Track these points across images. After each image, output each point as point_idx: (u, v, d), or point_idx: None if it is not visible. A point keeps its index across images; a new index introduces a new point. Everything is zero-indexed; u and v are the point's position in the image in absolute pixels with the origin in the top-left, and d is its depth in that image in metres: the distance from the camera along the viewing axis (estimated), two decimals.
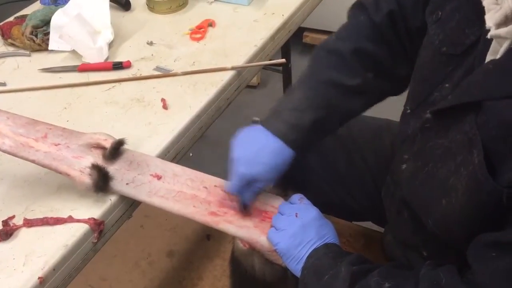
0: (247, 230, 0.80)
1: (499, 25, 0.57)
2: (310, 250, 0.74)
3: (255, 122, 0.86)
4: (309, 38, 2.54)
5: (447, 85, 0.69)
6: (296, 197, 0.81)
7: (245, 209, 0.81)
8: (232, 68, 1.05)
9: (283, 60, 1.09)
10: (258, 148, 0.80)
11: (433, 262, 0.68)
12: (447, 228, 0.66)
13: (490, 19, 0.58)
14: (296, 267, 0.75)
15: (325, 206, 0.83)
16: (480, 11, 0.61)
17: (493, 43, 0.61)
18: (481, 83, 0.60)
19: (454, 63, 0.68)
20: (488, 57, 0.62)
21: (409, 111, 0.77)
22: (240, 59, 1.09)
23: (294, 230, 0.75)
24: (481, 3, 0.61)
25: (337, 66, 0.84)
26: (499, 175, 0.56)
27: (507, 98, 0.56)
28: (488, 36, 0.59)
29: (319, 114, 0.82)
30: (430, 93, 0.72)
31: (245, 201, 0.81)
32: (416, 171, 0.72)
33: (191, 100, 0.99)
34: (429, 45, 0.74)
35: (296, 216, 0.77)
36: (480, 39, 0.64)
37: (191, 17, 1.24)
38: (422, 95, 0.73)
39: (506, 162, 0.55)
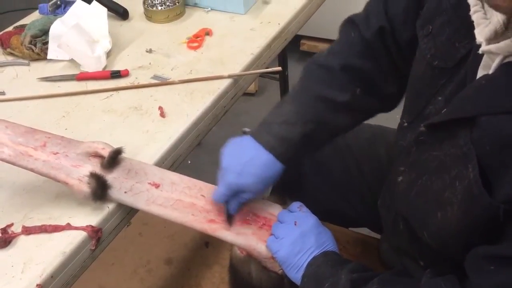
0: (244, 237, 0.80)
1: (489, 40, 0.57)
2: (309, 258, 0.75)
3: (245, 133, 0.87)
4: (306, 46, 2.55)
5: (439, 98, 0.69)
6: (295, 205, 0.82)
7: (229, 219, 0.81)
8: (229, 76, 1.06)
9: (279, 68, 1.11)
10: (248, 159, 0.80)
11: (434, 271, 0.68)
12: (442, 241, 0.67)
13: (480, 34, 0.58)
14: (295, 275, 0.75)
15: (322, 213, 0.83)
16: (469, 25, 0.61)
17: (485, 58, 0.61)
18: (474, 98, 0.61)
19: (446, 76, 0.69)
20: (480, 72, 0.62)
21: (406, 124, 0.77)
22: (236, 67, 1.10)
23: (293, 238, 0.76)
24: (470, 17, 0.61)
25: (327, 81, 0.84)
26: (495, 190, 0.56)
27: (501, 114, 0.56)
28: (480, 51, 0.59)
29: (308, 128, 0.82)
30: (425, 106, 0.72)
31: (230, 211, 0.81)
32: (411, 183, 0.72)
33: (188, 108, 1.00)
34: (421, 59, 0.74)
35: (295, 224, 0.78)
36: (471, 53, 0.64)
37: (188, 26, 1.26)
38: (417, 108, 0.74)
39: (502, 177, 0.55)
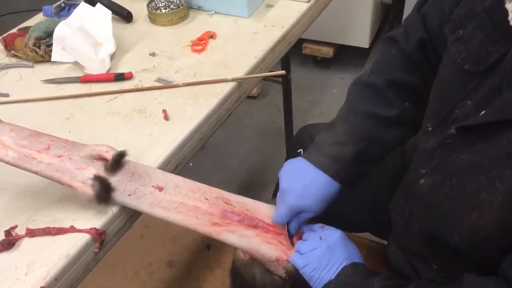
0: (248, 240, 0.81)
1: None
2: (338, 270, 0.75)
3: (298, 154, 0.88)
4: (308, 49, 2.55)
5: (469, 102, 0.69)
6: (317, 226, 0.83)
7: (291, 239, 0.83)
8: (233, 80, 1.06)
9: (283, 71, 1.11)
10: (308, 181, 0.82)
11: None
12: (476, 242, 0.66)
13: None
14: None
15: (325, 217, 0.84)
16: (504, 29, 0.62)
17: None
18: None
19: (476, 81, 0.69)
20: None
21: (430, 128, 0.77)
22: (240, 70, 1.10)
23: (320, 253, 0.76)
24: (505, 21, 0.62)
25: (374, 98, 0.85)
26: None
27: None
28: None
29: (360, 146, 0.83)
30: (451, 110, 0.72)
31: (291, 231, 0.83)
32: (438, 185, 0.72)
33: (192, 111, 1.00)
34: (450, 63, 0.74)
35: (320, 239, 0.78)
36: (505, 57, 0.65)
37: (192, 29, 1.26)
38: (443, 112, 0.74)
39: None
